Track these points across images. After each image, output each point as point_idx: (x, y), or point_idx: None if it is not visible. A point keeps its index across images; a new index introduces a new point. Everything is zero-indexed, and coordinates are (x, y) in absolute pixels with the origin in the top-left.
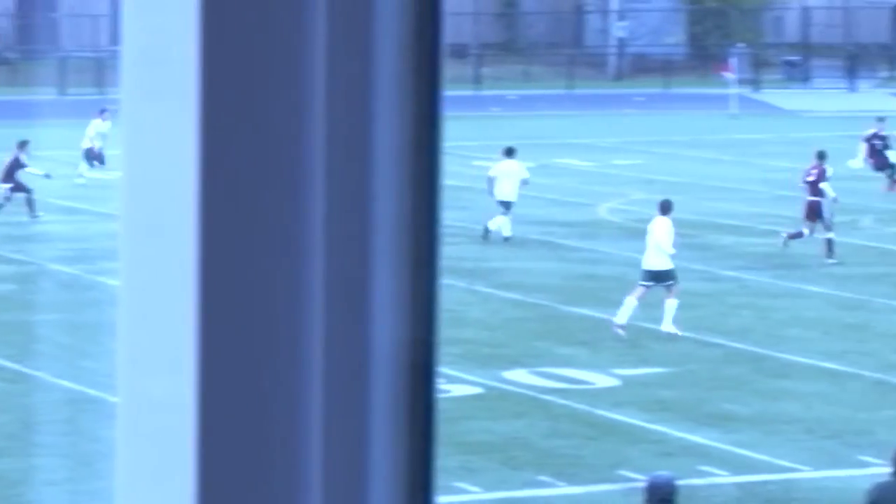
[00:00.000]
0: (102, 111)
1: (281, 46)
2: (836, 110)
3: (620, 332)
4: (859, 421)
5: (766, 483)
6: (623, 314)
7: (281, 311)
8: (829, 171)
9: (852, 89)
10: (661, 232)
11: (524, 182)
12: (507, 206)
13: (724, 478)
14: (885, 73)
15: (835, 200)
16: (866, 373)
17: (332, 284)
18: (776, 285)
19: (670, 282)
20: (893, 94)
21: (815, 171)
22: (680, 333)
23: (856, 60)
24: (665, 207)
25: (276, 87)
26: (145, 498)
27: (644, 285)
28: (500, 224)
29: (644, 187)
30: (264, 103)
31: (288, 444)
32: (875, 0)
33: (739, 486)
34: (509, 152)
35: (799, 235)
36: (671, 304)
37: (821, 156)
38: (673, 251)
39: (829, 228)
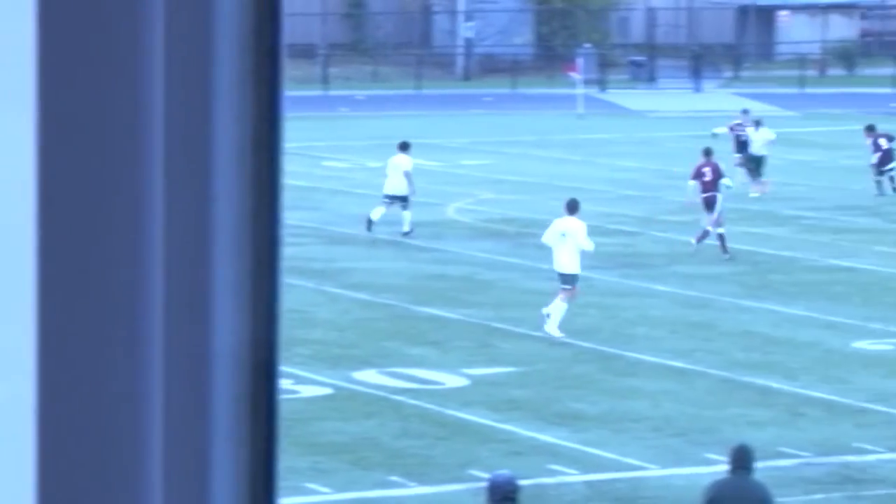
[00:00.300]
0: None
1: (119, 48)
2: (682, 110)
3: (544, 310)
4: (705, 419)
5: (614, 481)
6: (551, 323)
7: (121, 312)
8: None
9: (697, 89)
10: (581, 234)
11: (406, 174)
12: (396, 199)
13: (573, 476)
14: (729, 74)
15: (728, 187)
16: (712, 371)
17: (173, 284)
18: (623, 284)
19: (569, 286)
20: (738, 93)
21: (708, 169)
22: (562, 336)
23: (700, 61)
24: (573, 207)
25: (115, 89)
26: None
27: (565, 288)
28: (404, 218)
29: (493, 187)
30: (102, 105)
31: (129, 444)
32: (719, 1)
33: (588, 484)
34: (403, 146)
35: (706, 235)
36: (560, 308)
37: (707, 153)
38: (591, 247)
39: (720, 224)
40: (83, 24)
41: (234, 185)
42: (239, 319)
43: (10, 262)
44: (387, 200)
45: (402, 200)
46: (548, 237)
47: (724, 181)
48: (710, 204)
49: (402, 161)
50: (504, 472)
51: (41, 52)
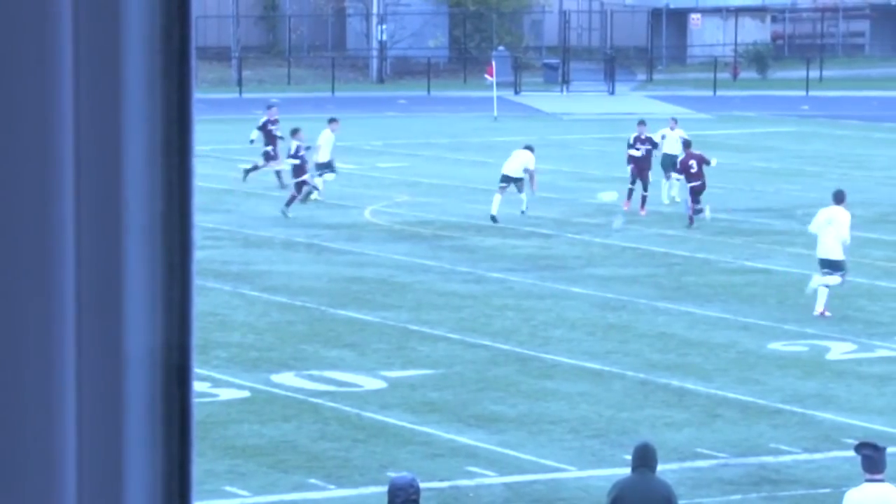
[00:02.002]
0: None
1: (28, 50)
2: (596, 113)
3: (827, 313)
4: (622, 420)
5: (532, 483)
6: (820, 302)
7: (33, 316)
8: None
9: (611, 92)
10: (845, 223)
11: (527, 170)
12: (511, 180)
13: (491, 478)
14: (642, 76)
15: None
16: (629, 373)
17: (85, 287)
18: (540, 286)
19: (842, 271)
20: (651, 96)
21: (693, 161)
22: (828, 314)
23: (614, 63)
24: (839, 197)
25: (24, 92)
26: None
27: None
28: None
29: (408, 190)
30: (11, 108)
31: (42, 448)
32: (632, 4)
33: (507, 486)
34: (528, 147)
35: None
36: (834, 281)
37: (687, 144)
38: (848, 241)
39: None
40: None
41: (144, 187)
42: (152, 322)
43: None
44: (503, 184)
45: (517, 182)
46: (814, 225)
47: (713, 162)
48: (699, 192)
49: (525, 156)
50: (405, 474)
51: None
